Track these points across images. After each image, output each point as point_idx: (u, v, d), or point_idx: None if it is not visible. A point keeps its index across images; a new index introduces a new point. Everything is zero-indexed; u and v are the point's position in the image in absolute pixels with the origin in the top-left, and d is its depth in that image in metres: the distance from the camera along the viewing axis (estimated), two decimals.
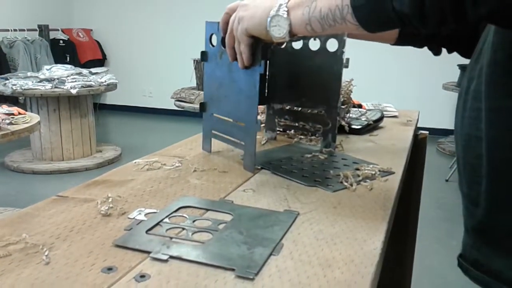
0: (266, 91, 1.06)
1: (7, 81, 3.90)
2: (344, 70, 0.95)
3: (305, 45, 0.99)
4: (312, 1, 0.64)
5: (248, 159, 0.87)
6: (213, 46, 0.92)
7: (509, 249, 0.63)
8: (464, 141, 0.68)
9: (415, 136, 1.26)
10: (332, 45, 0.94)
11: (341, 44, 0.93)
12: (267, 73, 1.05)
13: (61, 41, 6.14)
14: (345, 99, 1.16)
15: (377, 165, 0.89)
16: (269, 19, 0.70)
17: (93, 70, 4.35)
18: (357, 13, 0.60)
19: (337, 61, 0.94)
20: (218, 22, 0.89)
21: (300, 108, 1.03)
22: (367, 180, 0.82)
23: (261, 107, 1.22)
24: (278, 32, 0.69)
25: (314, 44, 0.98)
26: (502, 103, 0.60)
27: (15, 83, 3.81)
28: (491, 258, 0.65)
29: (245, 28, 0.75)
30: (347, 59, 0.93)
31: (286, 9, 0.68)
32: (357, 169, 0.86)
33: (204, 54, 0.94)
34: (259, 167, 0.89)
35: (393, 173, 0.87)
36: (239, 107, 0.87)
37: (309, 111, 1.01)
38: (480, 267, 0.67)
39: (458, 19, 0.52)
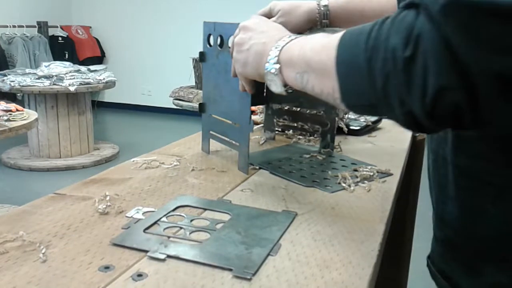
0: (265, 91, 1.06)
1: (5, 78, 3.88)
2: None
3: None
4: (303, 71, 0.61)
5: (242, 160, 0.87)
6: (210, 46, 0.92)
7: (477, 271, 0.61)
8: (433, 155, 0.67)
9: (413, 138, 1.26)
10: None
11: None
12: None
13: (60, 38, 6.13)
14: None
15: (375, 167, 0.89)
16: (264, 76, 0.67)
17: (92, 67, 4.34)
18: (352, 109, 0.58)
19: None
20: (215, 23, 0.89)
21: (299, 109, 1.03)
22: (365, 181, 0.82)
23: (260, 107, 1.22)
24: (275, 87, 0.67)
25: None
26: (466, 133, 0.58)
27: (13, 80, 3.80)
28: (459, 275, 0.65)
29: (240, 73, 0.74)
30: None
31: (277, 66, 0.65)
32: (355, 170, 0.86)
33: (202, 55, 0.94)
34: (257, 167, 0.89)
35: (391, 174, 0.87)
36: (233, 108, 0.87)
37: (308, 111, 1.01)
38: (447, 278, 0.67)
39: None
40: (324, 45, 0.57)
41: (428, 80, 0.42)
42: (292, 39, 0.65)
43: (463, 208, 0.62)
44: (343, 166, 0.90)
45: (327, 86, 0.56)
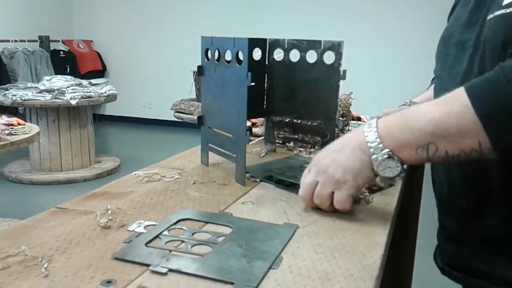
0: (265, 103, 1.07)
1: (7, 92, 3.90)
2: (343, 83, 0.95)
3: (303, 58, 1.00)
4: (428, 143, 0.60)
5: (239, 172, 0.87)
6: (208, 60, 0.93)
7: None
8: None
9: None
10: (329, 57, 0.95)
11: (338, 57, 0.93)
12: (266, 86, 1.06)
13: (61, 52, 6.16)
14: (344, 111, 1.17)
15: None
16: (375, 168, 0.65)
17: (93, 81, 4.36)
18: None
19: (334, 73, 0.94)
20: (213, 37, 0.90)
21: (299, 121, 1.03)
22: (366, 194, 0.81)
23: (261, 120, 1.23)
24: (392, 172, 0.65)
25: (311, 57, 0.98)
26: None
27: (15, 94, 3.82)
28: (501, 267, 0.68)
29: (349, 194, 0.69)
30: (344, 71, 0.94)
31: (386, 151, 0.63)
32: None
33: (200, 69, 0.95)
34: (258, 180, 0.89)
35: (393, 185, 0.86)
36: (230, 120, 0.88)
37: (308, 123, 1.02)
38: (482, 275, 0.71)
39: None
40: (446, 112, 0.58)
41: None
42: (376, 124, 0.65)
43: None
44: None
45: (468, 145, 0.57)
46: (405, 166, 0.65)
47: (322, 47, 0.95)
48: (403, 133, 0.62)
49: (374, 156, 0.64)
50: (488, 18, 0.68)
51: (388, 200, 0.80)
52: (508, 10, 0.64)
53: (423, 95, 1.05)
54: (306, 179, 0.72)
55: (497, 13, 0.66)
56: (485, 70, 0.66)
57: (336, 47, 0.92)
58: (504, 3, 0.65)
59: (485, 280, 0.71)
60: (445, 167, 0.79)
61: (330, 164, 0.68)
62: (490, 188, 0.70)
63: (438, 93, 0.82)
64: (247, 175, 0.89)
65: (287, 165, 0.98)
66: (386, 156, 0.63)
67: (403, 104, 1.06)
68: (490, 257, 0.71)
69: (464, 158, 0.59)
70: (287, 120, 1.06)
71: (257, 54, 1.01)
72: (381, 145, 0.63)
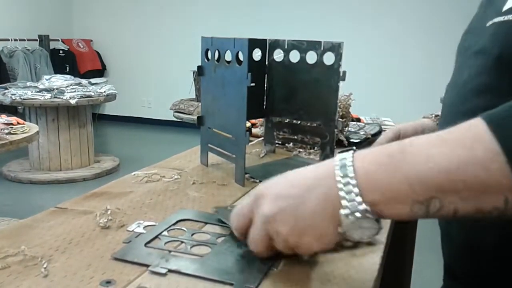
0: (265, 104, 1.07)
1: (6, 91, 3.90)
2: (343, 84, 0.96)
3: (302, 59, 1.00)
4: (430, 198, 0.42)
5: (239, 172, 0.87)
6: (208, 60, 0.93)
7: None
8: None
9: None
10: (329, 58, 0.95)
11: (338, 58, 0.93)
12: (265, 86, 1.06)
13: (61, 51, 6.17)
14: (344, 113, 1.17)
15: None
16: (343, 228, 0.46)
17: (93, 80, 4.36)
18: None
19: (334, 74, 0.94)
20: (212, 37, 0.90)
21: (299, 121, 1.04)
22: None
23: (260, 120, 1.23)
24: (366, 234, 0.47)
25: (311, 58, 0.98)
26: None
27: (14, 93, 3.82)
28: None
29: (295, 245, 0.50)
30: (344, 72, 0.94)
31: (366, 208, 0.44)
32: None
33: (200, 69, 0.95)
34: (257, 181, 0.89)
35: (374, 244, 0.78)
36: (230, 120, 0.88)
37: (308, 124, 1.02)
38: None
39: None
40: (463, 160, 0.41)
41: None
42: (353, 166, 0.45)
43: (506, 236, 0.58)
44: None
45: (490, 202, 0.41)
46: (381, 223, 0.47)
47: (322, 48, 0.96)
48: (393, 185, 0.43)
49: (344, 212, 0.45)
50: (488, 24, 0.62)
51: None
52: (506, 18, 0.58)
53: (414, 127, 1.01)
54: (240, 218, 0.55)
55: (496, 20, 0.61)
56: (480, 85, 0.60)
57: (336, 48, 0.92)
58: (504, 8, 0.60)
59: None
60: None
61: (289, 224, 0.48)
62: (484, 225, 0.63)
63: (443, 107, 0.73)
64: (247, 175, 0.89)
65: (286, 166, 0.98)
66: (360, 216, 0.45)
67: (424, 117, 1.02)
68: None
69: (477, 218, 0.43)
70: (286, 121, 1.06)
71: (257, 54, 1.01)
72: (359, 199, 0.44)
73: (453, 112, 0.67)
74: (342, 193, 0.45)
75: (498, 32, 0.59)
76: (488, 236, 0.61)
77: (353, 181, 0.44)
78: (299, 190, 0.48)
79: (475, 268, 0.66)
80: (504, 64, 0.57)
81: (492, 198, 0.41)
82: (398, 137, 0.99)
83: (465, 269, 0.68)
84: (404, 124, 1.03)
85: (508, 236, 0.58)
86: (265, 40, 1.02)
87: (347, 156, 0.47)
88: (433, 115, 1.02)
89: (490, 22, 0.62)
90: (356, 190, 0.44)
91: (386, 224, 0.70)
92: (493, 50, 0.59)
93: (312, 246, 0.50)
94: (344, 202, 0.45)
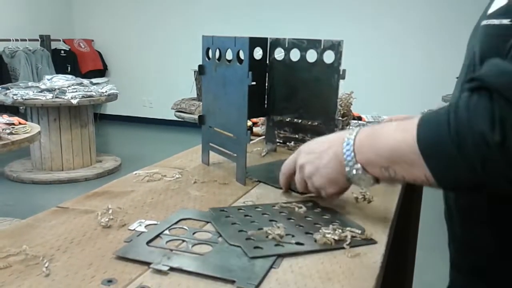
0: (266, 103, 1.07)
1: (8, 91, 3.91)
2: (344, 82, 0.95)
3: (303, 57, 1.00)
4: (387, 166, 0.62)
5: (240, 171, 0.87)
6: (209, 59, 0.93)
7: None
8: None
9: None
10: (329, 57, 0.95)
11: (338, 56, 0.93)
12: (266, 85, 1.06)
13: (62, 51, 6.17)
14: (345, 111, 1.17)
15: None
16: (350, 178, 0.67)
17: (94, 80, 4.37)
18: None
19: (334, 73, 0.94)
20: (213, 36, 0.90)
21: (300, 120, 1.03)
22: (367, 193, 0.80)
23: (262, 119, 1.23)
24: (366, 184, 0.67)
25: (311, 56, 0.98)
26: None
27: (16, 93, 3.82)
28: None
29: (328, 193, 0.72)
30: (344, 70, 0.94)
31: (359, 167, 0.65)
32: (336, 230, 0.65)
33: (201, 68, 0.95)
34: (258, 181, 0.89)
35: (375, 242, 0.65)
36: (231, 119, 0.88)
37: (308, 123, 1.02)
38: None
39: None
40: (400, 140, 0.59)
41: None
42: (356, 135, 0.66)
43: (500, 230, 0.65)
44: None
45: (417, 176, 0.58)
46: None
47: (322, 47, 0.95)
48: (369, 153, 0.64)
49: (347, 169, 0.66)
50: (481, 25, 0.66)
51: (388, 199, 0.80)
52: (489, 22, 0.63)
53: None
54: (287, 166, 0.77)
55: (484, 22, 0.65)
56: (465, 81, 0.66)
57: (336, 47, 0.92)
58: (489, 11, 0.64)
59: None
60: (445, 194, 0.77)
61: (312, 172, 0.71)
62: (482, 220, 0.68)
63: (452, 100, 0.80)
64: (247, 175, 0.89)
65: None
66: (359, 171, 0.65)
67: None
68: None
69: (422, 185, 0.60)
70: (287, 120, 1.06)
71: (258, 53, 1.01)
72: (354, 159, 0.65)
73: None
74: (345, 156, 0.66)
75: (482, 35, 0.64)
76: (485, 234, 0.67)
77: (351, 148, 0.65)
78: (321, 148, 0.70)
79: (476, 263, 0.70)
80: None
81: (418, 173, 0.58)
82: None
83: (467, 263, 0.73)
84: (398, 115, 1.04)
85: (503, 234, 0.65)
86: (266, 39, 1.02)
87: (355, 130, 0.66)
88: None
89: (481, 24, 0.65)
90: (352, 154, 0.65)
91: (388, 223, 0.70)
92: (478, 51, 0.65)
93: (330, 189, 0.71)
94: (346, 162, 0.66)
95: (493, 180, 0.52)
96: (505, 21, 0.59)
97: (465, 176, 0.54)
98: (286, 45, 1.01)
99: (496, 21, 0.61)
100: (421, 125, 0.57)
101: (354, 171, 0.65)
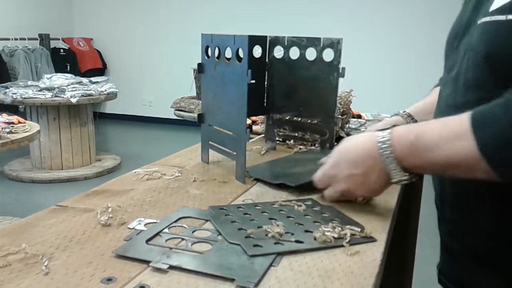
0: (265, 101, 1.07)
1: (7, 90, 3.90)
2: (343, 81, 0.95)
3: (302, 55, 0.99)
4: (439, 171, 0.67)
5: (239, 169, 0.87)
6: (208, 57, 0.93)
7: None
8: None
9: None
10: (328, 55, 0.95)
11: (337, 54, 0.93)
12: (266, 84, 1.06)
13: (61, 50, 6.16)
14: (345, 109, 1.16)
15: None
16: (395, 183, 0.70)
17: (93, 79, 4.36)
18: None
19: (333, 71, 0.94)
20: (212, 34, 0.90)
21: (299, 118, 1.03)
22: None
23: (261, 117, 1.23)
24: (403, 178, 0.69)
25: (311, 54, 0.98)
26: None
27: (15, 92, 3.82)
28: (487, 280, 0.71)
29: (366, 197, 0.76)
30: (343, 68, 0.93)
31: (407, 177, 0.68)
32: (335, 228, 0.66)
33: (200, 66, 0.95)
34: (257, 179, 0.89)
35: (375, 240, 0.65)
36: (230, 118, 0.88)
37: (308, 121, 1.02)
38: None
39: None
40: (456, 151, 0.61)
41: None
42: (393, 155, 0.67)
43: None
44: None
45: (478, 175, 0.61)
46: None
47: (321, 45, 0.95)
48: (418, 162, 0.66)
49: (394, 181, 0.69)
50: (478, 23, 0.67)
51: (388, 197, 0.80)
52: (493, 18, 0.63)
53: (426, 101, 1.02)
54: (327, 168, 0.76)
55: (484, 19, 0.65)
56: (469, 80, 0.68)
57: (335, 45, 0.92)
58: (491, 8, 0.64)
59: None
60: (438, 179, 0.80)
61: (358, 188, 0.73)
62: (478, 202, 0.70)
63: (439, 99, 0.82)
64: (246, 174, 0.89)
65: (287, 162, 0.98)
66: (403, 180, 0.69)
67: (396, 114, 1.03)
68: (477, 270, 0.73)
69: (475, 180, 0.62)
70: (287, 118, 1.06)
71: (257, 51, 1.01)
72: (402, 174, 0.68)
73: (449, 105, 0.74)
74: (392, 173, 0.68)
75: (486, 31, 0.65)
76: (478, 218, 0.71)
77: (395, 163, 0.67)
78: (363, 169, 0.70)
79: (467, 246, 0.74)
80: (491, 61, 0.64)
81: (480, 175, 0.60)
82: None
83: (461, 246, 0.76)
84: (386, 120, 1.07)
85: (494, 218, 0.68)
86: (265, 37, 1.02)
87: (386, 147, 0.67)
88: (405, 114, 1.01)
89: (479, 22, 0.66)
90: (398, 169, 0.67)
91: (387, 220, 0.70)
92: (481, 48, 0.65)
93: (369, 195, 0.75)
94: (393, 176, 0.68)
95: None
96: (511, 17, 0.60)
97: None
98: (286, 43, 1.01)
99: (501, 17, 0.61)
100: (477, 128, 0.58)
101: (399, 177, 0.68)
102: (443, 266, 0.82)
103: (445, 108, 0.75)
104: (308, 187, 0.79)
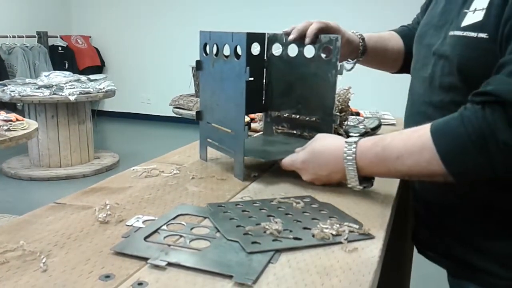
0: (264, 98, 1.07)
1: (5, 88, 3.89)
2: (342, 78, 0.95)
3: (301, 53, 0.99)
4: (401, 176, 0.78)
5: (238, 167, 0.87)
6: (206, 54, 0.93)
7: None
8: None
9: None
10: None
11: (335, 51, 0.92)
12: (264, 81, 1.05)
13: (59, 48, 6.14)
14: (343, 106, 1.16)
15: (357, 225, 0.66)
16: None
17: (92, 76, 4.35)
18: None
19: (331, 68, 0.93)
20: (211, 32, 0.90)
21: (297, 116, 1.03)
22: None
23: (259, 115, 1.23)
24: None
25: (309, 51, 0.98)
26: None
27: (13, 90, 3.81)
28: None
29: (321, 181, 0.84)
30: (341, 66, 0.93)
31: (363, 187, 0.79)
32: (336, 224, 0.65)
33: (199, 64, 0.95)
34: (256, 174, 0.89)
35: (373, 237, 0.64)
36: (229, 115, 0.88)
37: (306, 118, 1.01)
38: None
39: None
40: (417, 160, 0.69)
41: None
42: (356, 164, 0.76)
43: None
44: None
45: (436, 180, 0.71)
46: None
47: (320, 42, 0.95)
48: (380, 170, 0.76)
49: (350, 186, 0.79)
50: (450, 34, 0.75)
51: (386, 194, 0.80)
52: (465, 33, 0.71)
53: (381, 36, 1.18)
54: (298, 161, 0.84)
55: (456, 33, 0.73)
56: (444, 84, 0.76)
57: (333, 42, 0.92)
58: (463, 24, 0.72)
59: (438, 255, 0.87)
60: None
61: (321, 182, 0.83)
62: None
63: (410, 94, 0.91)
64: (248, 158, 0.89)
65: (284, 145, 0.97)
66: (358, 187, 0.79)
67: (354, 32, 1.12)
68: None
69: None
70: (285, 115, 1.06)
71: (255, 49, 1.01)
72: (358, 183, 0.78)
73: (422, 102, 0.83)
74: (349, 180, 0.78)
75: (458, 44, 0.73)
76: (453, 198, 0.80)
77: (356, 174, 0.77)
78: (328, 171, 0.81)
79: (442, 220, 0.84)
80: (463, 71, 0.73)
81: (438, 179, 0.70)
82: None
83: (434, 221, 0.87)
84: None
85: (468, 198, 0.78)
86: (264, 34, 1.01)
87: (351, 155, 0.76)
88: (360, 37, 1.12)
89: (451, 33, 0.75)
90: (356, 178, 0.77)
91: (385, 217, 0.70)
92: (454, 59, 0.73)
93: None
94: (349, 183, 0.79)
95: (510, 173, 0.65)
96: (482, 35, 0.68)
97: (485, 174, 0.66)
98: (284, 41, 1.01)
99: (473, 34, 0.70)
100: (438, 140, 0.67)
101: (356, 187, 0.79)
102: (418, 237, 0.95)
103: (421, 104, 0.84)
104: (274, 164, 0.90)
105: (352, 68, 1.14)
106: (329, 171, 0.80)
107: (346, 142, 0.77)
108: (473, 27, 0.70)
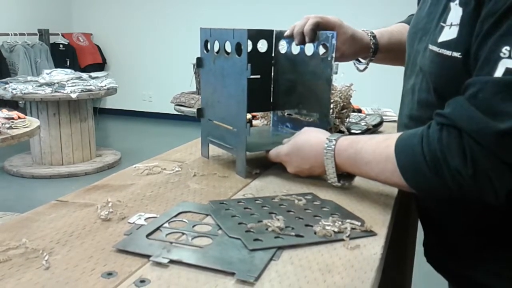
0: (272, 97, 1.06)
1: (7, 85, 3.89)
2: (344, 75, 0.94)
3: (302, 50, 0.97)
4: (370, 178, 0.76)
5: (240, 164, 0.87)
6: (207, 51, 0.92)
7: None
8: None
9: None
10: (323, 50, 0.92)
11: (331, 49, 0.89)
12: (271, 79, 1.04)
13: (61, 46, 6.15)
14: (345, 103, 1.16)
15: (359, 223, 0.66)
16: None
17: (93, 74, 4.35)
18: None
19: (326, 67, 0.91)
20: (211, 29, 0.89)
21: (300, 116, 1.02)
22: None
23: (261, 113, 1.22)
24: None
25: (309, 49, 0.96)
26: None
27: (15, 87, 3.81)
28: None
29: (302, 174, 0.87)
30: (337, 65, 0.90)
31: (340, 183, 0.80)
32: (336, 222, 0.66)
33: (199, 61, 0.95)
34: (258, 171, 0.89)
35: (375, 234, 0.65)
36: (230, 112, 0.87)
37: (306, 118, 1.00)
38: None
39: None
40: (382, 169, 0.71)
41: (496, 185, 0.58)
42: (334, 161, 0.78)
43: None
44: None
45: (401, 188, 0.74)
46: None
47: (318, 39, 0.93)
48: (355, 172, 0.78)
49: (329, 182, 0.81)
50: (429, 47, 0.72)
51: (388, 192, 0.80)
52: (440, 50, 0.69)
53: (393, 31, 1.15)
54: (282, 153, 0.87)
55: (433, 48, 0.70)
56: (422, 100, 0.76)
57: (329, 39, 0.89)
58: (440, 40, 0.69)
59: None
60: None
61: (303, 174, 0.86)
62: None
63: (401, 100, 0.91)
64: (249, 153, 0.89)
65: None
66: (336, 183, 0.80)
67: (364, 30, 1.11)
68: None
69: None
70: (286, 115, 1.05)
71: (263, 46, 1.00)
72: (336, 179, 0.79)
73: (405, 115, 0.84)
74: (329, 176, 0.80)
75: (433, 61, 0.71)
76: (458, 216, 0.78)
77: (334, 170, 0.78)
78: (309, 165, 0.83)
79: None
80: (439, 90, 0.71)
81: (402, 188, 0.72)
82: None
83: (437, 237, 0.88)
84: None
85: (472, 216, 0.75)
86: (272, 31, 1.00)
87: (330, 152, 0.78)
88: (371, 34, 1.11)
89: (430, 47, 0.72)
90: (335, 175, 0.79)
91: (387, 215, 0.70)
92: (431, 76, 0.72)
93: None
94: (328, 179, 0.81)
95: (466, 196, 0.62)
96: (456, 54, 0.66)
97: (444, 196, 0.66)
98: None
99: (447, 52, 0.67)
100: (399, 154, 0.67)
101: (334, 183, 0.80)
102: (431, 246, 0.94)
103: (404, 116, 0.85)
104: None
105: (366, 68, 1.13)
106: (310, 165, 0.82)
107: (327, 138, 0.78)
108: (448, 44, 0.68)
